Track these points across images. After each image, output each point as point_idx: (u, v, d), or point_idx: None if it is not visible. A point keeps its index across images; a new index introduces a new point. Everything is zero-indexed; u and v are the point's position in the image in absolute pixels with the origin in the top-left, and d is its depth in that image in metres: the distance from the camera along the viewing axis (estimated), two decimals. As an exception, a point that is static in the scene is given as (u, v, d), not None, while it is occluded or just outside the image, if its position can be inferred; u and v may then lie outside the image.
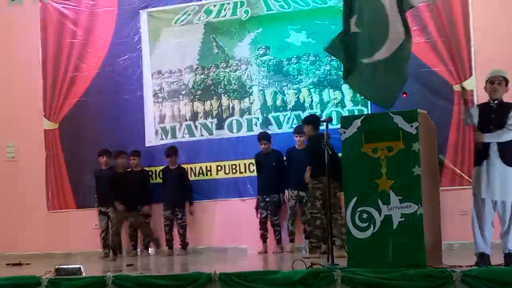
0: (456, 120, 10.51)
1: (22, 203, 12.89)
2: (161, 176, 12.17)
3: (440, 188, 7.54)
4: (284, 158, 11.25)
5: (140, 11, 12.56)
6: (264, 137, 11.30)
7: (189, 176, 12.03)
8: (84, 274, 7.27)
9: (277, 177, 11.13)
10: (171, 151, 11.93)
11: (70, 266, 7.46)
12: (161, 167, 12.15)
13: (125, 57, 12.60)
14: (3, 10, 11.59)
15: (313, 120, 10.15)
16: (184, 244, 11.83)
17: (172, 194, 11.87)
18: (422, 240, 6.57)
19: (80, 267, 7.38)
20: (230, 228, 11.62)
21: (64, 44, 12.93)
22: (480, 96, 9.05)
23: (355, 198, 6.82)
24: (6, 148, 13.20)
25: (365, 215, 6.76)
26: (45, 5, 12.93)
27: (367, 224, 6.75)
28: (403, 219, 6.63)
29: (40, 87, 12.99)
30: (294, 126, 11.32)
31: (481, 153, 7.05)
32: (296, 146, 11.12)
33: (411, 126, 6.69)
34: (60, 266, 7.41)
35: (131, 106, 12.51)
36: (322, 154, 9.19)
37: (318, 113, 11.28)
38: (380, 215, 6.70)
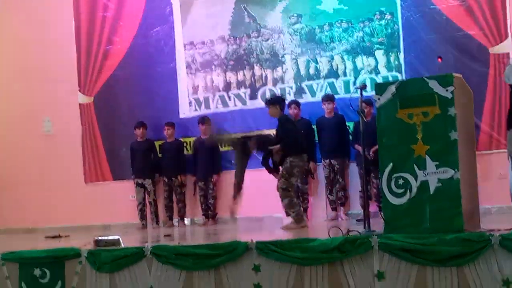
0: (493, 83, 10.39)
1: (59, 176, 13.06)
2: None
3: (477, 152, 7.46)
4: (314, 127, 11.22)
5: (171, -18, 12.56)
6: (294, 101, 11.24)
7: (223, 146, 12.07)
8: (123, 245, 7.34)
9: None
10: (203, 120, 11.97)
11: (109, 238, 7.53)
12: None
13: (157, 29, 12.63)
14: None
15: (279, 101, 9.86)
16: (214, 214, 11.93)
17: (205, 164, 11.93)
18: (459, 205, 6.52)
19: (119, 238, 7.45)
20: (265, 197, 11.60)
21: (97, 17, 13.00)
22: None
23: (391, 165, 6.77)
24: (43, 122, 13.34)
25: (401, 181, 6.71)
26: (76, -21, 13.00)
27: (403, 190, 6.70)
28: (440, 184, 6.57)
29: (74, 61, 13.10)
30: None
31: None
32: (326, 115, 11.11)
33: (447, 90, 6.60)
34: (99, 238, 7.48)
35: (164, 78, 12.56)
36: (295, 133, 9.42)
37: (352, 80, 11.26)
38: (416, 181, 6.66)
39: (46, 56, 13.26)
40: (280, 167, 9.64)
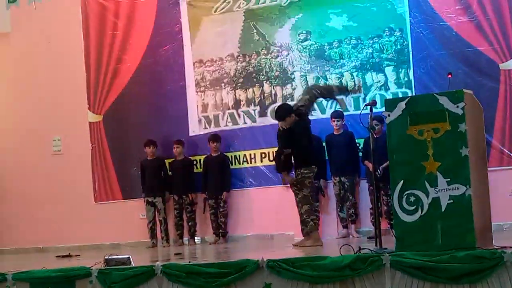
0: (503, 99, 10.37)
1: (69, 196, 13.06)
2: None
3: (488, 168, 7.42)
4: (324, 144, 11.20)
5: (180, 0, 12.58)
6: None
7: (234, 164, 12.06)
8: (133, 264, 7.31)
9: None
10: (213, 137, 11.96)
11: (119, 256, 7.51)
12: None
13: (167, 47, 12.65)
14: (45, 4, 11.68)
15: (290, 110, 9.66)
16: (225, 232, 11.89)
17: (214, 182, 11.92)
18: (471, 221, 6.47)
19: (129, 257, 7.42)
20: (276, 215, 11.61)
21: (106, 36, 13.03)
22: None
23: (402, 182, 6.74)
24: (53, 141, 13.37)
25: (412, 198, 6.68)
26: (85, -2, 13.05)
27: (414, 207, 6.66)
28: (452, 201, 6.53)
29: (84, 80, 13.12)
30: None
31: None
32: (335, 132, 11.09)
33: (457, 106, 6.58)
34: (109, 257, 7.45)
35: (174, 96, 12.57)
36: (306, 140, 9.36)
37: (361, 97, 11.24)
38: (428, 198, 6.62)
39: (56, 75, 13.30)
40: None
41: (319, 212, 11.18)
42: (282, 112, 9.67)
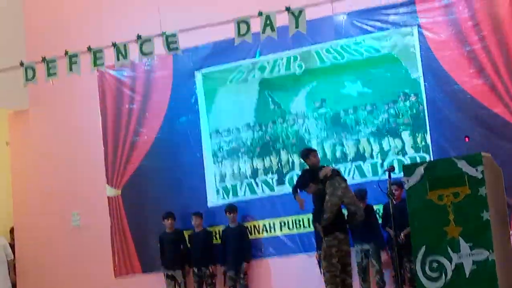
0: (522, 160, 10.28)
1: (89, 271, 12.96)
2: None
3: (511, 231, 7.34)
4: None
5: (195, 72, 12.68)
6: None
7: (253, 234, 11.97)
8: None
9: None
10: (230, 208, 11.91)
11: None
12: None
13: (183, 119, 12.70)
14: (62, 81, 11.80)
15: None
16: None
17: (234, 253, 11.82)
18: (496, 287, 6.37)
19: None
20: (297, 285, 11.47)
21: (123, 110, 13.10)
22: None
23: (424, 247, 6.69)
24: (72, 216, 13.35)
25: (435, 265, 6.62)
26: (102, 74, 13.11)
27: (438, 273, 6.60)
28: (475, 266, 6.47)
29: (102, 154, 13.15)
30: (354, 177, 11.21)
31: None
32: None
33: (476, 170, 6.57)
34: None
35: (191, 168, 12.55)
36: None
37: (379, 162, 11.19)
38: (451, 264, 6.56)
39: (74, 150, 13.34)
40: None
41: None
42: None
